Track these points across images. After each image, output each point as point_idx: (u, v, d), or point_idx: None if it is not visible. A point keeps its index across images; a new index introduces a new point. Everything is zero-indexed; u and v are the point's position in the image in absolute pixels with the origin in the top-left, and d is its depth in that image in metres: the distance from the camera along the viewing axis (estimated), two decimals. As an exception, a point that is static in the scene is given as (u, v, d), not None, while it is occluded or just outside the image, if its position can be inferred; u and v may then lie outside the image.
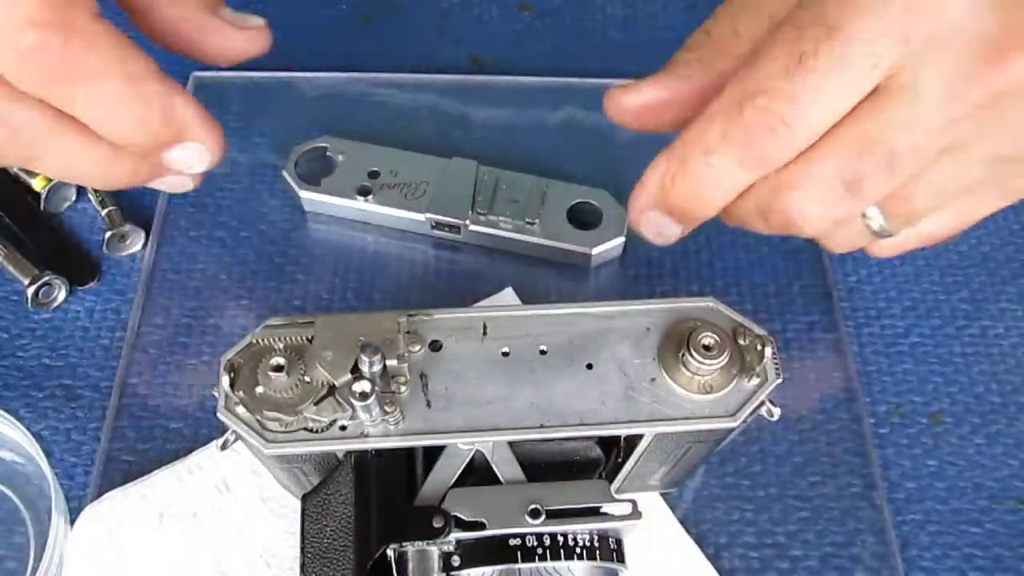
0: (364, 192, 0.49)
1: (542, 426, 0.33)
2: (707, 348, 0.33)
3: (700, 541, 0.43)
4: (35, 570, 0.39)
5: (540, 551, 0.31)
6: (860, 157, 0.33)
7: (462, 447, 0.33)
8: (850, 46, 0.31)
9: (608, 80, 0.56)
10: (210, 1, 0.38)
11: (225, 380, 0.32)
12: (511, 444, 0.33)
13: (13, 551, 0.42)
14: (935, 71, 0.31)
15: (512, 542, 0.31)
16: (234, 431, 0.33)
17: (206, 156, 0.37)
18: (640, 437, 0.34)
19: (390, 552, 0.31)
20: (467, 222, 0.49)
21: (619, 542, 0.33)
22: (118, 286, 0.49)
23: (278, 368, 0.32)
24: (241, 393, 0.32)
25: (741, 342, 0.34)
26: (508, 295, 0.49)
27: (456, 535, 0.31)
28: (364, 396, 0.30)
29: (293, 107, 0.55)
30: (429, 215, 0.49)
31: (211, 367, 0.46)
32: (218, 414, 0.32)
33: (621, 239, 0.49)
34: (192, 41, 0.38)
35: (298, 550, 0.33)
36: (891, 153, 0.33)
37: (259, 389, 0.32)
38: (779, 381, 0.34)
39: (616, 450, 0.36)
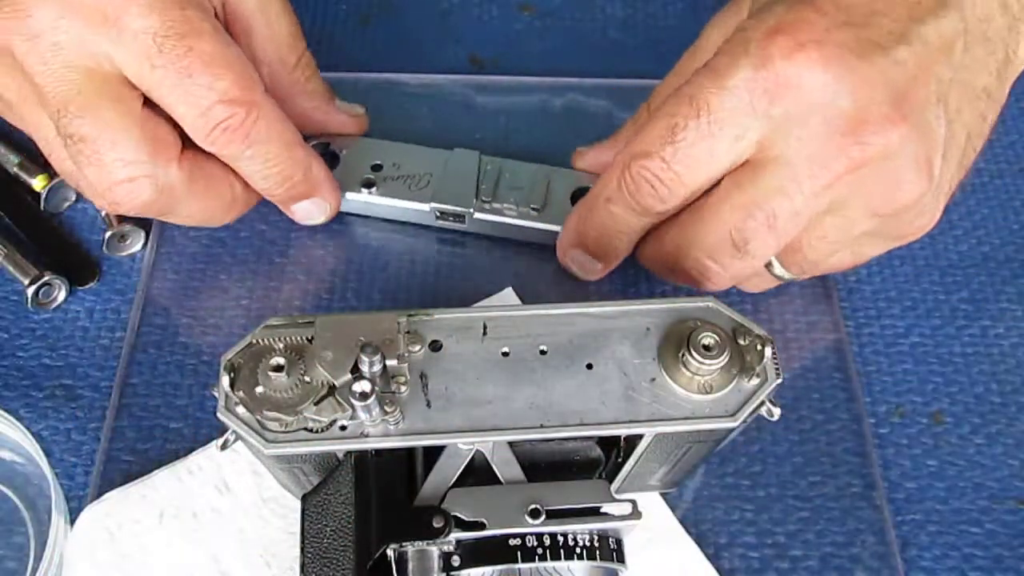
0: (368, 185, 0.49)
1: (542, 426, 0.33)
2: (707, 348, 0.33)
3: (700, 541, 0.43)
4: (35, 570, 0.39)
5: (540, 551, 0.31)
6: (744, 220, 0.38)
7: (462, 447, 0.33)
8: (714, 123, 0.36)
9: (608, 80, 0.57)
10: (329, 95, 0.49)
11: (225, 380, 0.32)
12: (511, 444, 0.33)
13: (13, 551, 0.42)
14: (800, 144, 0.36)
15: (512, 542, 0.31)
16: (234, 431, 0.33)
17: (326, 211, 0.47)
18: (640, 437, 0.34)
19: (390, 552, 0.31)
20: (471, 210, 0.48)
21: (619, 542, 0.33)
22: (118, 286, 0.49)
23: (278, 368, 0.32)
24: (241, 393, 0.32)
25: (741, 342, 0.34)
26: (508, 295, 0.49)
27: (456, 535, 0.31)
28: (364, 396, 0.30)
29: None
30: (434, 204, 0.48)
31: (211, 367, 0.46)
32: (218, 414, 0.32)
33: None
34: (319, 124, 0.49)
35: (298, 550, 0.33)
36: (771, 216, 0.37)
37: (259, 389, 0.32)
38: (779, 381, 0.34)
39: (616, 450, 0.36)
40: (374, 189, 0.49)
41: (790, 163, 0.36)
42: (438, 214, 0.49)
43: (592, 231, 0.43)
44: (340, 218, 0.50)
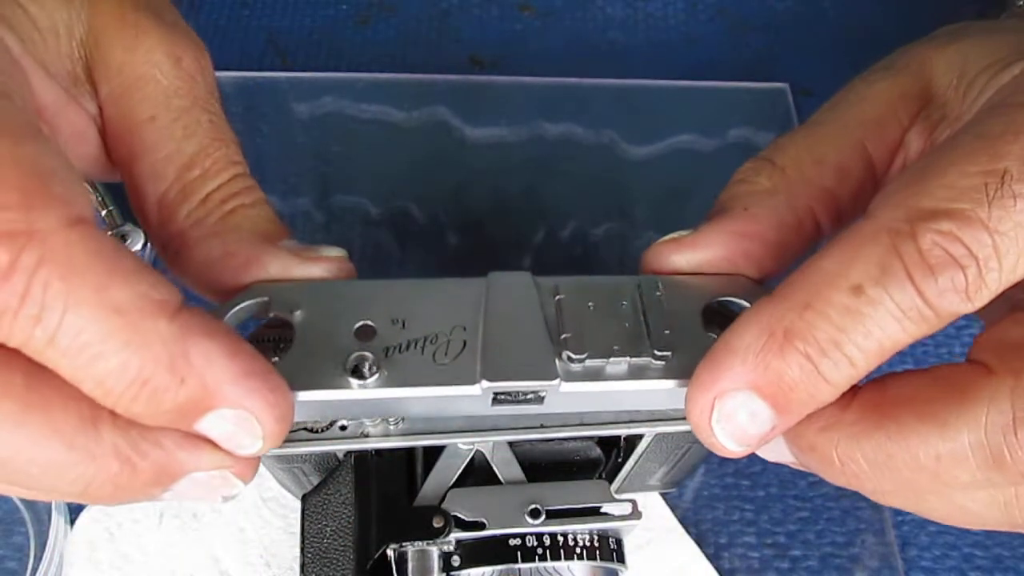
0: (357, 372, 0.26)
1: (542, 426, 0.32)
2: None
3: (700, 541, 0.43)
4: (35, 570, 0.39)
5: (540, 551, 0.31)
6: None
7: (462, 447, 0.33)
8: None
9: (608, 80, 0.57)
10: (263, 234, 0.28)
11: None
12: (511, 444, 0.33)
13: (13, 551, 0.42)
14: None
15: (512, 542, 0.31)
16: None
17: (255, 430, 0.24)
18: (640, 437, 0.34)
19: (390, 552, 0.31)
20: (557, 382, 0.26)
21: (619, 542, 0.33)
22: (118, 286, 0.49)
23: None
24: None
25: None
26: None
27: (456, 535, 0.31)
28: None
29: (293, 106, 0.55)
30: (488, 383, 0.26)
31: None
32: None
33: None
34: (231, 280, 0.27)
35: (298, 550, 0.33)
36: None
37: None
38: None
39: (616, 450, 0.36)
40: (372, 378, 0.26)
41: None
42: (497, 397, 0.27)
43: (805, 348, 0.23)
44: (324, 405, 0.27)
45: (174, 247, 0.28)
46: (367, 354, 0.26)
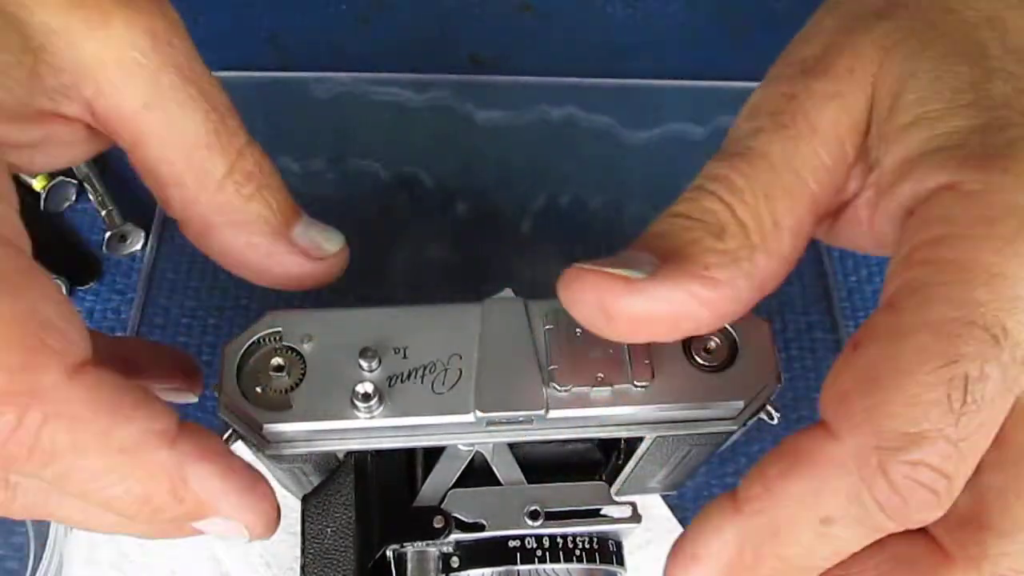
0: (364, 403, 0.29)
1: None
2: (708, 351, 0.33)
3: (700, 542, 0.43)
4: (35, 570, 0.39)
5: (539, 553, 0.31)
6: None
7: (462, 448, 0.33)
8: (1018, 350, 0.22)
9: (609, 80, 0.57)
10: (278, 222, 0.29)
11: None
12: (511, 445, 0.33)
13: (13, 551, 0.42)
14: None
15: (511, 543, 0.31)
16: (235, 430, 0.32)
17: (242, 533, 0.27)
18: (640, 439, 0.34)
19: (389, 553, 0.31)
20: (543, 411, 0.30)
21: (619, 544, 0.33)
22: (118, 286, 0.49)
23: (279, 368, 0.32)
24: (242, 393, 0.32)
25: (741, 344, 0.34)
26: (507, 296, 0.49)
27: (456, 536, 0.31)
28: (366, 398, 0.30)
29: (293, 106, 0.55)
30: (481, 414, 0.30)
31: (211, 367, 0.46)
32: (219, 413, 0.32)
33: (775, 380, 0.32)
34: (257, 269, 0.30)
35: (298, 551, 0.33)
36: None
37: (258, 389, 0.32)
38: (780, 385, 0.34)
39: (616, 452, 0.36)
40: (379, 406, 0.29)
41: None
42: (489, 421, 0.30)
43: (773, 569, 0.24)
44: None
45: (197, 229, 0.29)
46: (373, 385, 0.29)
